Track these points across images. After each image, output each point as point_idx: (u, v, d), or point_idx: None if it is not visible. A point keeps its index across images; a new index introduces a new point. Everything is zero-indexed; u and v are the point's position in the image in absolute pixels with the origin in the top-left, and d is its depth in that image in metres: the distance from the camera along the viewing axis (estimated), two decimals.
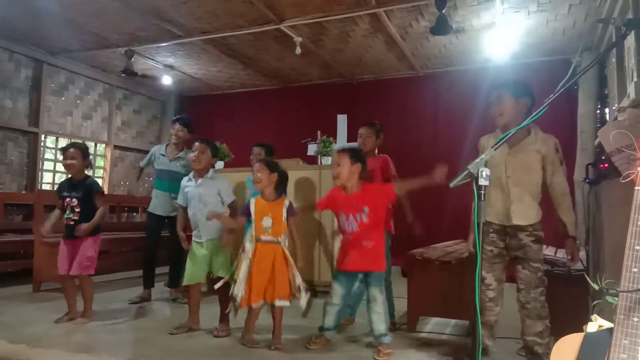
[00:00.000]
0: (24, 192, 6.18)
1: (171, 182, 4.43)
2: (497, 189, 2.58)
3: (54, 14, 5.07)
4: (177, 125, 4.58)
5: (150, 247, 4.55)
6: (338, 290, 2.99)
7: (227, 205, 3.44)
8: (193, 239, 3.38)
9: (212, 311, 3.38)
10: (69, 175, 3.68)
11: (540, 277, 2.51)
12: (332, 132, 5.51)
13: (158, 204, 4.52)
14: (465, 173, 1.70)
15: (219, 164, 5.33)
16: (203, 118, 8.16)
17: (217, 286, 3.11)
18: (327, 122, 6.13)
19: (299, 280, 2.97)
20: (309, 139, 5.80)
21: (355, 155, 2.98)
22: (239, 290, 2.91)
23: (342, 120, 6.32)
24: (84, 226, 3.46)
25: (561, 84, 1.80)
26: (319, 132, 5.53)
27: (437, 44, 5.74)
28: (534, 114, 1.76)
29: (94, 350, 2.87)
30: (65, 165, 3.61)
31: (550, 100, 1.74)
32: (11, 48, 6.02)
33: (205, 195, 3.38)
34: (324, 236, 4.79)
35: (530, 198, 2.55)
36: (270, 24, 5.19)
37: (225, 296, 3.27)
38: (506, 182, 2.56)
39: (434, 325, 3.66)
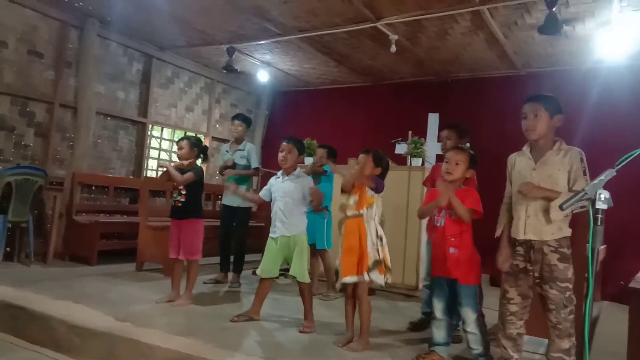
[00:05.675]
0: (131, 177, 6.72)
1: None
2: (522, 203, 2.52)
3: (164, 12, 5.41)
4: (236, 121, 5.01)
5: (224, 234, 4.90)
6: (437, 304, 2.91)
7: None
8: (270, 234, 3.52)
9: (299, 305, 3.48)
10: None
11: (568, 296, 2.42)
12: (422, 131, 5.39)
13: (226, 196, 4.86)
14: (580, 195, 1.59)
15: (308, 159, 5.44)
16: (294, 113, 8.37)
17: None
18: (417, 121, 6.01)
19: (376, 255, 2.99)
20: (399, 138, 5.71)
21: (473, 161, 2.96)
22: (338, 264, 3.13)
23: (433, 119, 6.18)
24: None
25: None
26: (410, 133, 5.43)
27: (544, 42, 5.39)
28: None
29: (193, 334, 3.02)
30: (177, 154, 4.04)
31: None
32: (126, 43, 6.52)
33: (289, 191, 3.47)
34: (411, 240, 4.73)
35: (553, 212, 2.42)
36: (367, 22, 5.17)
37: (308, 292, 3.42)
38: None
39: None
